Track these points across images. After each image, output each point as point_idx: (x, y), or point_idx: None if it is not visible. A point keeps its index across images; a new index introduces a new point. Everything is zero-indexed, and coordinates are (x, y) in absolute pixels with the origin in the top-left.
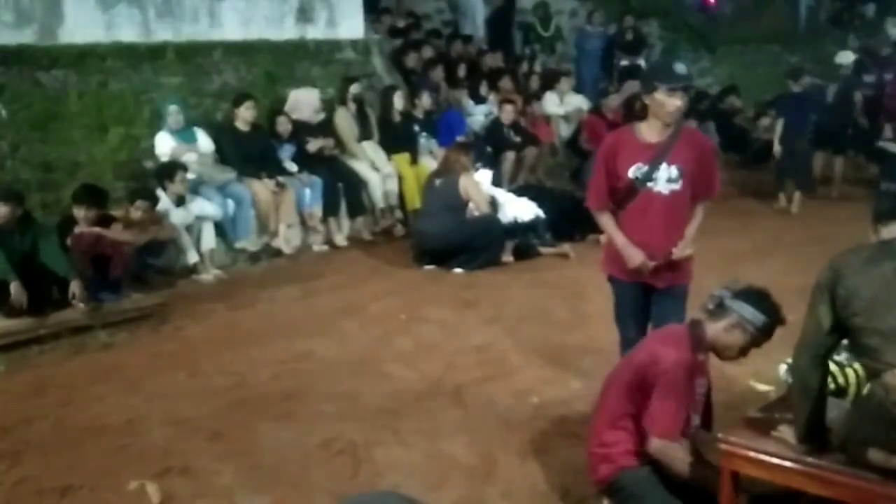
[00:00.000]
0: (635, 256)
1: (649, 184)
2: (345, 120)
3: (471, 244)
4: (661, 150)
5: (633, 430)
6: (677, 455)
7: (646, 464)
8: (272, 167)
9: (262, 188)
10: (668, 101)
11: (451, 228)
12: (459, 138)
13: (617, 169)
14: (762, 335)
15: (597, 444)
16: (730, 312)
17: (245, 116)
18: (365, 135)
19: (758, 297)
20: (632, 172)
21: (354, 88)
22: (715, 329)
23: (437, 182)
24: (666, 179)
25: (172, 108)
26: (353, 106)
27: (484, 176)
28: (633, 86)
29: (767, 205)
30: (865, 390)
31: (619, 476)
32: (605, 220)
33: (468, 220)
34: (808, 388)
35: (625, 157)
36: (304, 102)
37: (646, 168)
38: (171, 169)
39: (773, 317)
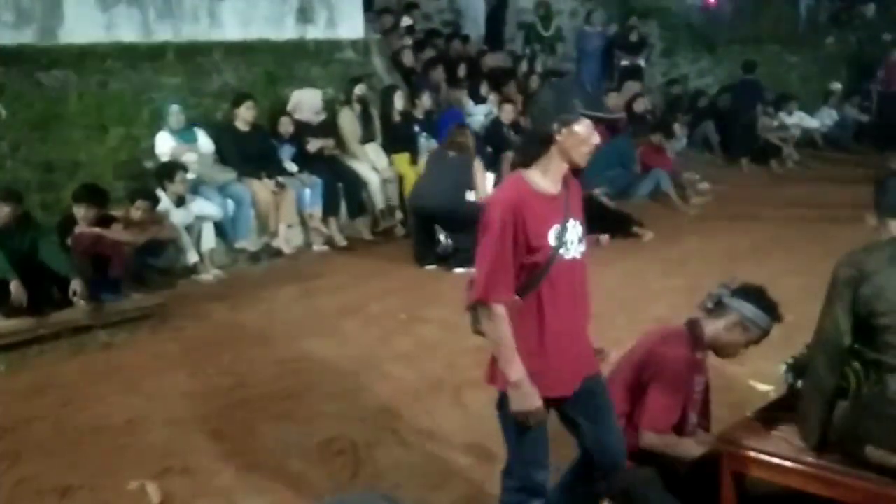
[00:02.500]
0: (534, 399)
1: (561, 250)
2: (349, 121)
3: (472, 228)
4: (564, 202)
5: (632, 430)
6: (669, 442)
7: (645, 464)
8: (272, 167)
9: (261, 188)
10: (592, 137)
11: (459, 204)
12: None
13: (529, 238)
14: (763, 333)
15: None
16: (729, 311)
17: (245, 116)
18: (368, 136)
19: (756, 294)
20: (552, 238)
21: (359, 89)
22: (714, 328)
23: (451, 155)
24: (577, 240)
25: (174, 107)
26: (357, 107)
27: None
28: (633, 86)
29: (768, 205)
30: (868, 386)
31: (617, 476)
32: (504, 325)
33: (473, 203)
34: (823, 390)
35: (537, 219)
36: (306, 103)
37: (559, 229)
38: (171, 169)
39: (773, 314)
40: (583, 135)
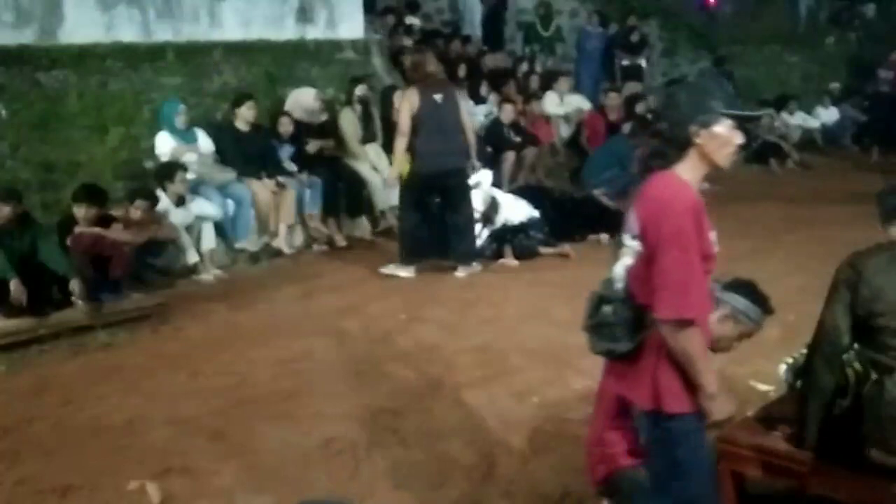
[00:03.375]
0: (731, 403)
1: None
2: (350, 122)
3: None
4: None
5: (631, 429)
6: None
7: (644, 463)
8: (272, 167)
9: (261, 188)
10: (735, 137)
11: (467, 163)
12: None
13: (706, 245)
14: (754, 325)
15: (593, 443)
16: (721, 304)
17: (245, 116)
18: (368, 136)
19: (747, 287)
20: (716, 245)
21: (360, 90)
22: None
23: (439, 100)
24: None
25: (181, 107)
26: (358, 107)
27: (484, 176)
28: (634, 86)
29: (768, 205)
30: (868, 387)
31: (616, 476)
32: (701, 339)
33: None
34: (821, 389)
35: (706, 224)
36: (300, 102)
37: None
38: (171, 169)
39: (764, 306)
40: (724, 136)
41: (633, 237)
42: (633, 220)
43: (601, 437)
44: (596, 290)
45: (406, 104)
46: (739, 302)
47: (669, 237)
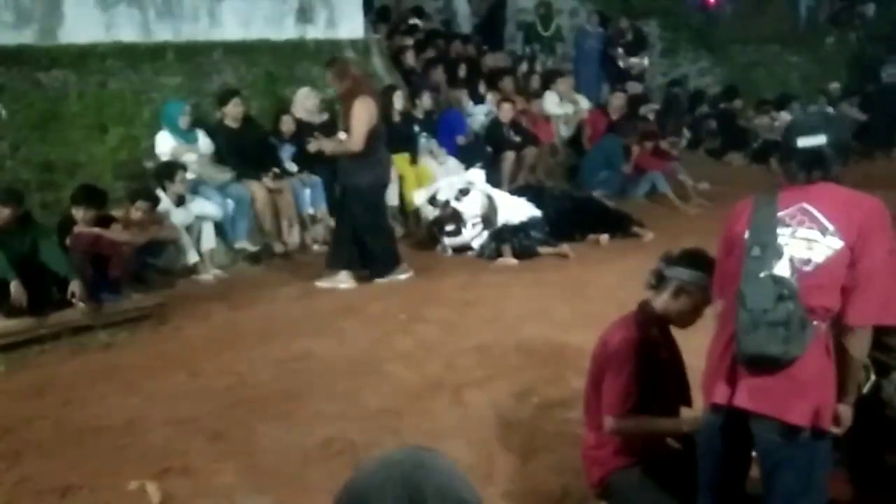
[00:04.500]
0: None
1: None
2: None
3: None
4: None
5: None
6: (636, 423)
7: (637, 463)
8: (271, 165)
9: (261, 188)
10: None
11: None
12: (459, 139)
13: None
14: (704, 291)
15: (587, 446)
16: (670, 280)
17: (233, 113)
18: None
19: (690, 258)
20: None
21: None
22: (662, 301)
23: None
24: None
25: (186, 108)
26: None
27: (476, 176)
28: (635, 86)
29: None
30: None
31: (611, 478)
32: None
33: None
34: None
35: None
36: (299, 101)
37: None
38: (170, 169)
39: (708, 270)
40: None
41: (825, 233)
42: (825, 218)
43: (590, 440)
44: (767, 273)
45: (365, 114)
46: (684, 273)
47: (884, 243)
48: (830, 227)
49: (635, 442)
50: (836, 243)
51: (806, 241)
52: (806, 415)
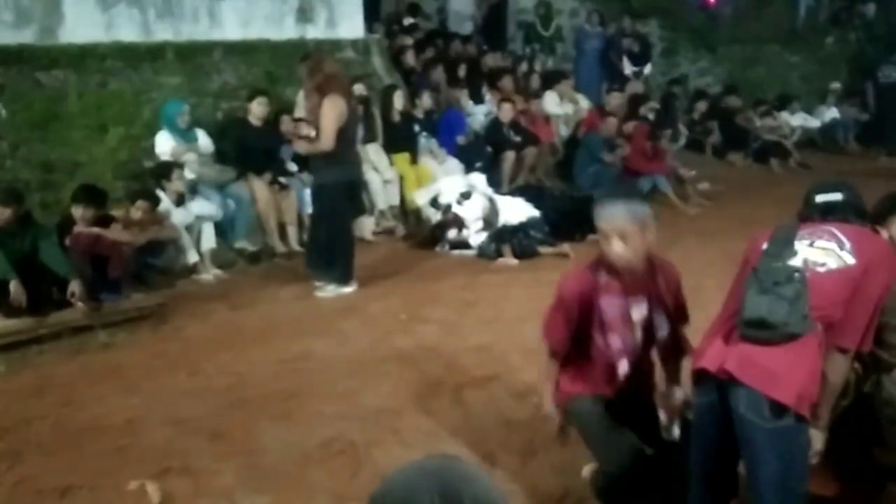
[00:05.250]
0: None
1: None
2: None
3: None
4: None
5: (573, 358)
6: (545, 365)
7: (587, 390)
8: (275, 167)
9: (261, 188)
10: None
11: None
12: (459, 139)
13: None
14: (600, 224)
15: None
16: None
17: (256, 112)
18: (369, 137)
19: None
20: None
21: (359, 89)
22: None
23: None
24: None
25: (185, 107)
26: (359, 107)
27: (477, 179)
28: (635, 86)
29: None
30: (868, 385)
31: (565, 402)
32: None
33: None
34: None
35: None
36: (299, 101)
37: None
38: (167, 168)
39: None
40: None
41: (842, 248)
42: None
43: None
44: (783, 263)
45: (334, 113)
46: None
47: (884, 282)
48: (847, 245)
49: (585, 372)
50: (851, 259)
51: (823, 250)
52: (791, 395)
